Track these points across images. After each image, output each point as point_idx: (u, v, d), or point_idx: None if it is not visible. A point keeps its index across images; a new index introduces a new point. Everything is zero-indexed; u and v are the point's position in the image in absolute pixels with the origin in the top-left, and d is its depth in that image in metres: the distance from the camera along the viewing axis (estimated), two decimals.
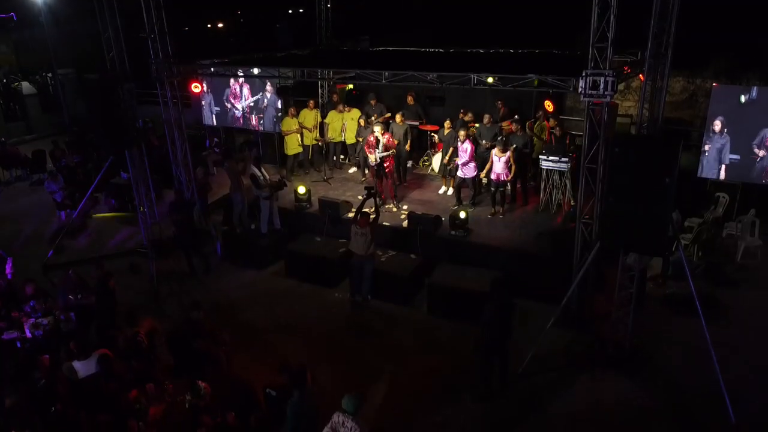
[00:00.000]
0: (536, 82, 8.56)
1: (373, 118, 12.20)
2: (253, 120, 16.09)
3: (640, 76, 11.12)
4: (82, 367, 7.03)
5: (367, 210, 9.64)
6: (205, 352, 7.58)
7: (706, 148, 11.82)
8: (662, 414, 7.30)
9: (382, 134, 11.10)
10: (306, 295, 10.27)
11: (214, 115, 16.95)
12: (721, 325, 8.73)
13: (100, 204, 14.67)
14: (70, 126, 19.74)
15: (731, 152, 11.67)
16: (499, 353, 7.62)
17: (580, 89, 8.07)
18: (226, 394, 6.84)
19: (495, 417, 7.38)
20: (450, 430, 7.20)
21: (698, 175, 12.04)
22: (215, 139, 16.81)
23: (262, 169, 10.95)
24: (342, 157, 14.31)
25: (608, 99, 7.97)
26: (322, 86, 14.77)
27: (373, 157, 11.22)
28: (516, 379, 7.91)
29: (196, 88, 11.22)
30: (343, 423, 5.62)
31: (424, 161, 13.86)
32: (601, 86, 7.92)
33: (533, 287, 9.46)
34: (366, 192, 9.71)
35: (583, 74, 7.96)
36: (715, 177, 11.83)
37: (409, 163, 13.50)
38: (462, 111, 12.54)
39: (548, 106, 8.64)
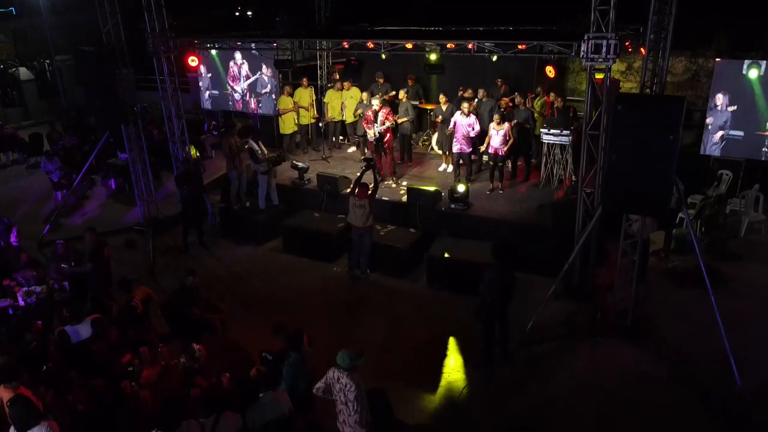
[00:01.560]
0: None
1: (378, 95, 11.95)
2: (252, 104, 15.98)
3: (642, 49, 11.01)
4: (75, 333, 6.88)
5: (365, 182, 9.50)
6: (200, 318, 7.45)
7: (709, 123, 11.70)
8: (666, 380, 7.18)
9: (380, 108, 10.96)
10: (304, 269, 10.15)
11: (212, 99, 16.86)
12: (725, 296, 8.57)
13: (97, 185, 14.56)
14: (68, 112, 19.59)
15: (734, 128, 11.55)
16: (500, 320, 7.49)
17: (582, 53, 7.95)
18: (222, 358, 6.71)
19: (495, 382, 7.27)
20: (450, 396, 7.07)
21: (701, 152, 11.93)
22: (213, 123, 16.68)
23: (260, 144, 10.83)
24: (341, 138, 14.19)
25: (611, 62, 7.84)
26: (320, 67, 14.62)
27: (372, 132, 11.09)
28: (517, 348, 7.78)
29: (192, 61, 11.13)
30: (338, 379, 5.50)
31: (424, 141, 13.73)
32: (604, 49, 7.79)
33: (535, 260, 9.32)
34: (365, 164, 9.58)
35: (586, 38, 7.83)
36: (716, 154, 11.71)
37: None
38: (461, 88, 12.41)
39: (549, 71, 8.49)
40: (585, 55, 7.92)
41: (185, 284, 7.61)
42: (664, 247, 10.16)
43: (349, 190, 10.02)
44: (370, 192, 9.28)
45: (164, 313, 7.61)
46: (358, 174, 9.55)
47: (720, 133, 11.53)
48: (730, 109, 11.41)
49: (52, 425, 5.03)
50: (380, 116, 10.94)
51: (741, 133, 11.49)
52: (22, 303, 7.77)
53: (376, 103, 11.00)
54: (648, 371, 7.31)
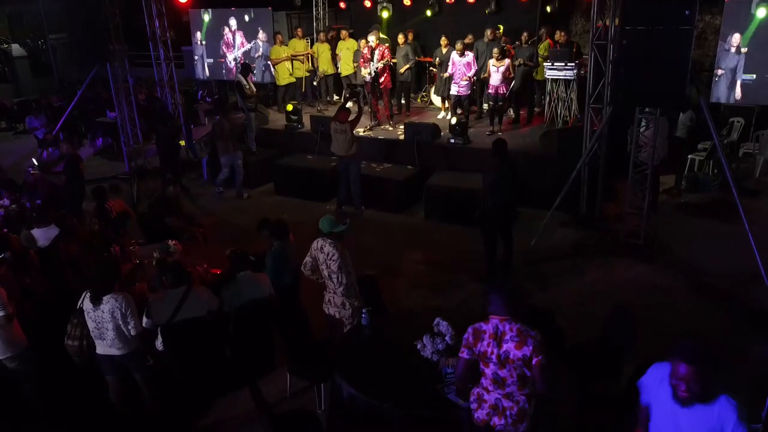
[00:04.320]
0: None
1: (374, 33, 11.34)
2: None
3: None
4: (42, 235, 6.36)
5: (349, 106, 9.03)
6: (180, 228, 6.90)
7: (719, 72, 11.21)
8: (686, 289, 6.63)
9: (377, 45, 10.48)
10: (296, 207, 9.60)
11: (207, 68, 16.45)
12: (741, 225, 8.06)
13: (85, 147, 14.08)
14: (60, 88, 19.18)
15: (746, 72, 11.05)
16: (502, 231, 6.93)
17: None
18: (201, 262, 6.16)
19: None
20: (450, 306, 6.50)
21: (711, 100, 11.42)
22: (206, 90, 16.28)
23: (249, 80, 10.38)
24: (336, 98, 13.74)
25: None
26: (317, 19, 14.23)
27: (367, 71, 10.58)
28: (521, 265, 7.24)
29: None
30: (322, 248, 4.98)
31: (422, 97, 13.26)
32: None
33: (540, 193, 8.74)
34: (349, 92, 9.13)
35: None
36: (729, 101, 11.19)
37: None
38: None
39: None
40: None
41: (165, 193, 7.11)
42: (676, 185, 9.64)
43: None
44: (351, 118, 8.80)
45: (141, 223, 7.07)
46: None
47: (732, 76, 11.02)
48: (743, 50, 10.93)
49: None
50: (377, 53, 10.46)
51: (753, 77, 11.01)
52: None
53: (372, 39, 10.49)
54: (667, 283, 6.76)
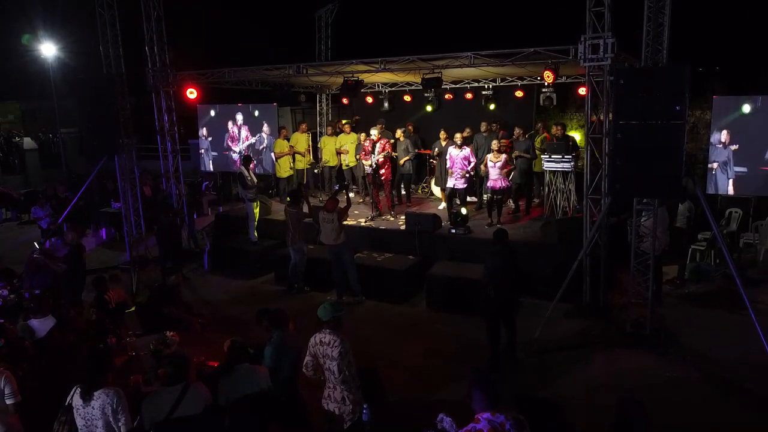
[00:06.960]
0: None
1: (378, 127, 11.71)
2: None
3: None
4: (40, 326, 6.26)
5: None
6: (178, 318, 6.82)
7: (712, 165, 11.45)
8: (696, 381, 6.45)
9: (378, 138, 10.79)
10: (297, 297, 9.53)
11: (212, 161, 16.86)
12: (747, 315, 7.96)
13: (88, 237, 14.15)
14: (68, 179, 19.56)
15: (737, 165, 11.28)
16: (505, 318, 6.84)
17: (579, 55, 7.88)
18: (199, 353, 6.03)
19: (503, 385, 6.46)
20: (453, 399, 6.28)
21: (706, 191, 11.58)
22: (210, 182, 16.60)
23: (251, 171, 10.61)
24: (337, 186, 13.98)
25: (609, 62, 7.75)
26: (320, 113, 14.74)
27: (368, 163, 10.84)
28: (525, 357, 7.08)
29: (191, 93, 11.07)
30: (321, 341, 4.88)
31: (423, 188, 13.50)
32: (601, 49, 7.73)
33: (542, 283, 8.70)
34: (337, 185, 9.37)
35: (582, 39, 7.81)
36: (723, 192, 11.35)
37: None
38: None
39: (548, 77, 8.40)
40: (583, 57, 7.86)
41: (165, 283, 7.08)
42: (679, 275, 9.60)
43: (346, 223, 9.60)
44: (340, 207, 8.96)
45: (139, 314, 6.99)
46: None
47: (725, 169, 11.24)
48: (733, 147, 11.19)
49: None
50: (378, 146, 10.75)
51: (744, 169, 11.22)
52: None
53: (374, 132, 10.84)
54: (676, 374, 6.58)
